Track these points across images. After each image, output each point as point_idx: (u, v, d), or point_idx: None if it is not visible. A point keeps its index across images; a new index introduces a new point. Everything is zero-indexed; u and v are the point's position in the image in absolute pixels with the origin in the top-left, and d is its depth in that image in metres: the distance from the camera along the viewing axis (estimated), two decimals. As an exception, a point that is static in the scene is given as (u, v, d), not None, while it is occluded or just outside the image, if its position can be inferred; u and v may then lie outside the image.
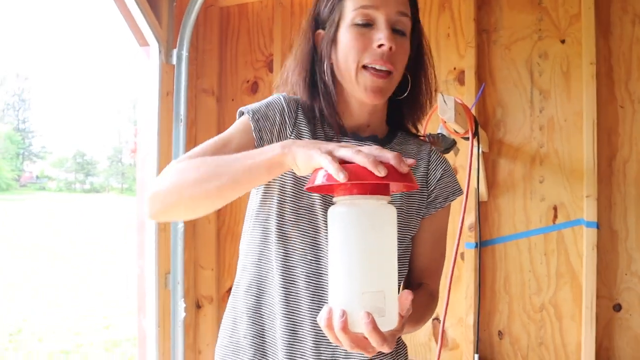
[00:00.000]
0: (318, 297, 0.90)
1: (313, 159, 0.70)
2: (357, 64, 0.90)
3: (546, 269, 1.96)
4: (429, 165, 1.00)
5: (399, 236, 0.78)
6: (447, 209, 1.03)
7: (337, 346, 0.87)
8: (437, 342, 2.01)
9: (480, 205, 2.03)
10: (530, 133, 2.00)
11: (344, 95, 0.97)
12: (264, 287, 0.93)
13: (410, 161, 0.69)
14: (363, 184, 0.68)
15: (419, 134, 1.06)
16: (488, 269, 2.04)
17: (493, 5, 2.07)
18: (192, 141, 2.49)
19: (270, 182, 0.94)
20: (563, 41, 1.97)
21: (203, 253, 2.46)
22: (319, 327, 0.88)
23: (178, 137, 2.27)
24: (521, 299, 1.99)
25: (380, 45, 0.88)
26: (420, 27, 1.00)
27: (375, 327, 0.66)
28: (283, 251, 0.91)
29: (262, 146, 0.91)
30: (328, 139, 0.96)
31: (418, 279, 1.01)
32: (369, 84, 0.89)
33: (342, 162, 0.68)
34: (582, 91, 1.91)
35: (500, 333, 2.01)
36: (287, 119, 0.95)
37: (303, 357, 0.90)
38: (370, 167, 0.65)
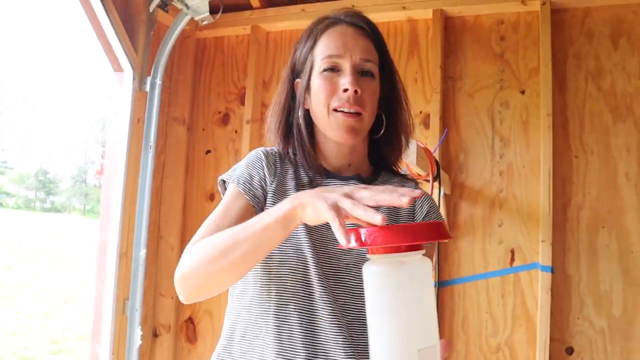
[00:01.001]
0: (311, 334, 0.91)
1: (321, 214, 0.71)
2: (327, 107, 0.96)
3: (503, 310, 2.01)
4: (415, 203, 1.03)
5: None
6: (433, 247, 1.05)
7: None
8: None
9: (440, 245, 2.08)
10: (491, 177, 2.08)
11: (322, 138, 1.02)
12: (258, 330, 0.93)
13: (404, 191, 0.69)
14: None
15: (402, 172, 1.10)
16: (447, 308, 2.08)
17: (459, 54, 2.18)
18: (160, 168, 2.49)
19: None
20: (523, 92, 2.08)
21: (164, 281, 2.43)
22: None
23: (146, 163, 2.28)
24: (478, 339, 2.03)
25: (345, 90, 0.94)
26: (391, 68, 1.05)
27: None
28: (275, 290, 0.92)
29: (260, 205, 0.96)
30: (310, 180, 1.01)
31: None
32: (341, 123, 0.95)
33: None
34: (539, 140, 2.01)
35: (456, 373, 2.04)
36: (265, 172, 0.99)
37: None
38: (370, 220, 0.67)
